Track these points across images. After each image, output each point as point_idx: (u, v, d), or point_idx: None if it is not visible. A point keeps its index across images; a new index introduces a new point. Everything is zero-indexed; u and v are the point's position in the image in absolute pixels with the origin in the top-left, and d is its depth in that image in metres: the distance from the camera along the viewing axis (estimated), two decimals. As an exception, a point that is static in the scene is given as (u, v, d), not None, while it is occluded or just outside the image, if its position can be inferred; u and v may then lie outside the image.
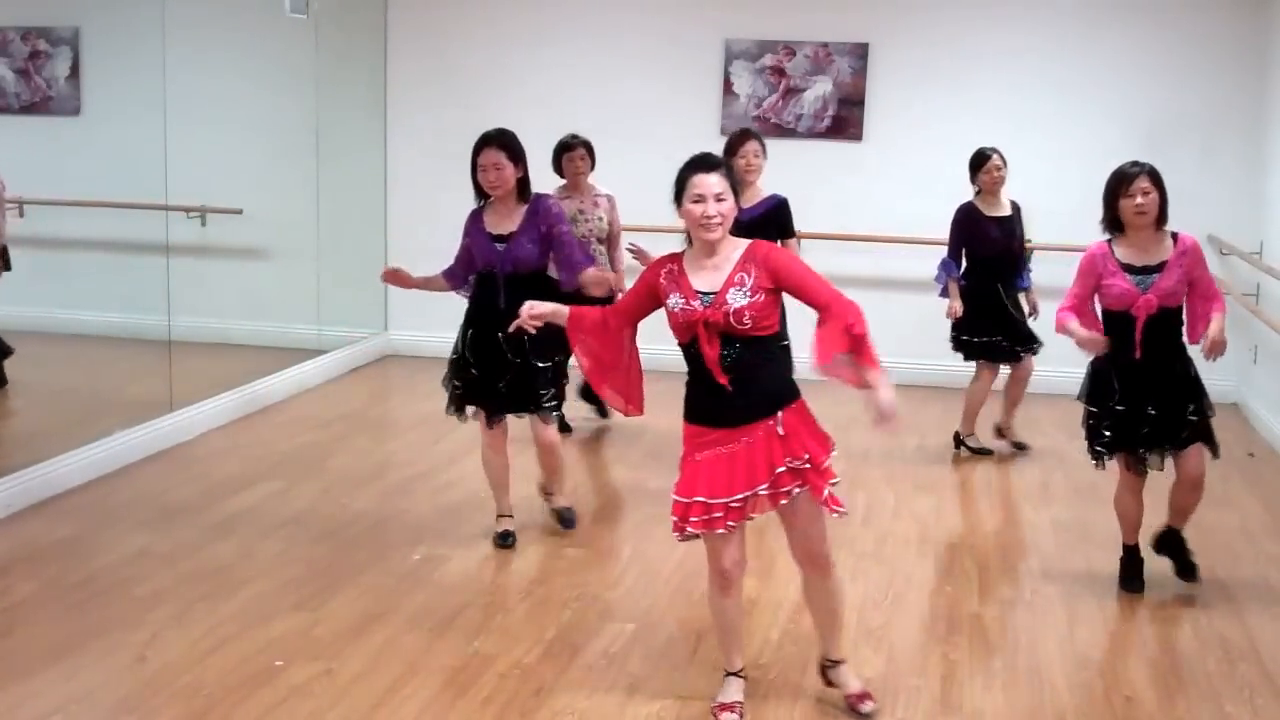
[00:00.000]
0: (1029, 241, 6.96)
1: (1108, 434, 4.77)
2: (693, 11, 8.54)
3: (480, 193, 5.10)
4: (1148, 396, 4.70)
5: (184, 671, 4.06)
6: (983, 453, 6.85)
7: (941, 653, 4.38)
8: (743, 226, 5.52)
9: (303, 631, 4.39)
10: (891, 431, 3.92)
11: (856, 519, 5.74)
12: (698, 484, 3.70)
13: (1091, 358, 4.86)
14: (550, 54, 8.69)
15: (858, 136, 8.44)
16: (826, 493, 3.71)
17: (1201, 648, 4.48)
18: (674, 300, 3.71)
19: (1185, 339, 4.77)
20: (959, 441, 6.89)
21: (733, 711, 3.84)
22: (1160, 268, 4.68)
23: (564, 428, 6.88)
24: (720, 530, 3.69)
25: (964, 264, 6.71)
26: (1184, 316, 4.76)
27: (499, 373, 5.09)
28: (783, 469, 3.65)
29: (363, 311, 8.93)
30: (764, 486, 3.66)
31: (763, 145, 5.88)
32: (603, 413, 7.19)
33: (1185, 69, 8.08)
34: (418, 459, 6.55)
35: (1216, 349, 4.64)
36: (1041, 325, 6.46)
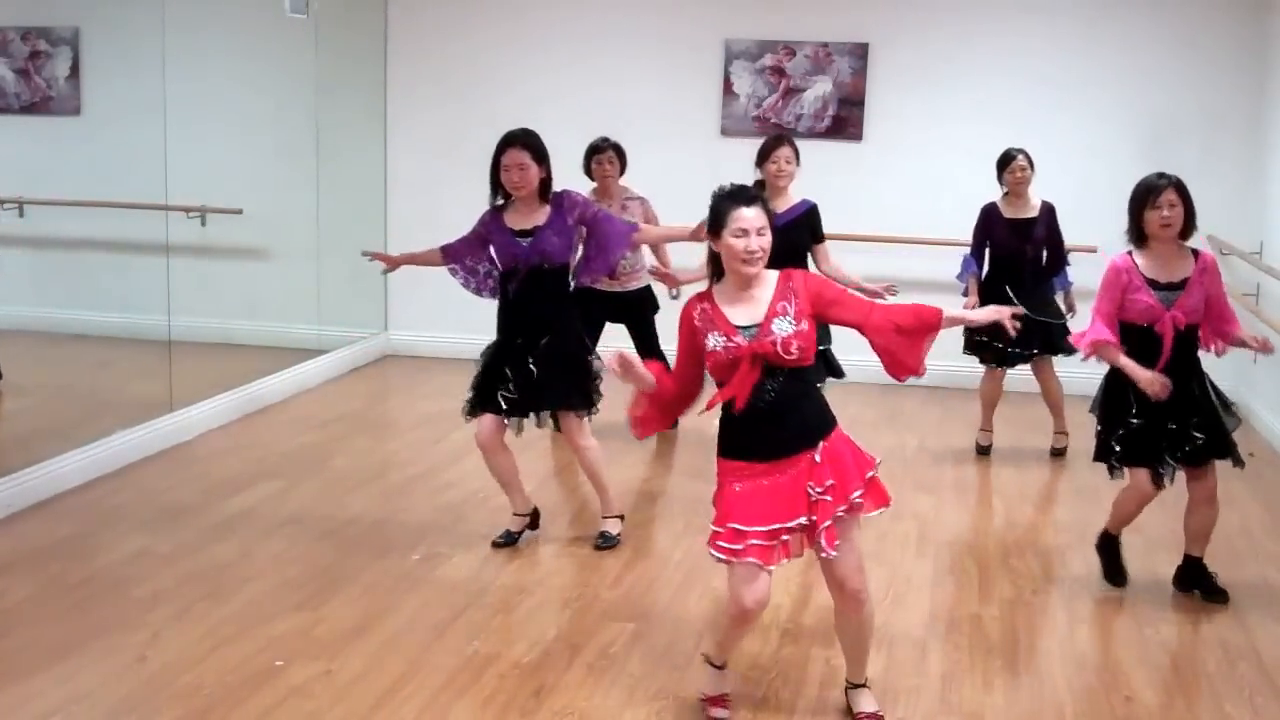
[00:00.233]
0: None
1: (1118, 447, 4.74)
2: (693, 11, 8.54)
3: (499, 192, 5.08)
4: (1167, 412, 4.67)
5: (184, 671, 4.06)
6: (982, 451, 6.85)
7: (941, 653, 4.38)
8: (776, 232, 5.57)
9: (303, 631, 4.39)
10: (1011, 320, 3.92)
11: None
12: (735, 511, 3.61)
13: (1107, 369, 4.83)
14: (550, 54, 8.68)
15: (858, 136, 8.44)
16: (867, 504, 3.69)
17: (1201, 648, 4.49)
18: (715, 340, 3.62)
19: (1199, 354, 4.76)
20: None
21: (725, 707, 3.85)
22: (1183, 285, 4.66)
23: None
24: (750, 560, 3.58)
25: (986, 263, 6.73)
26: (1199, 334, 4.75)
27: (505, 374, 5.08)
28: (815, 498, 3.59)
29: (363, 311, 8.93)
30: (805, 518, 3.60)
31: (796, 152, 5.92)
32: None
33: (1185, 69, 8.08)
34: (418, 459, 6.55)
35: (1268, 344, 4.74)
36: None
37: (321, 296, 8.33)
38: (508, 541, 5.27)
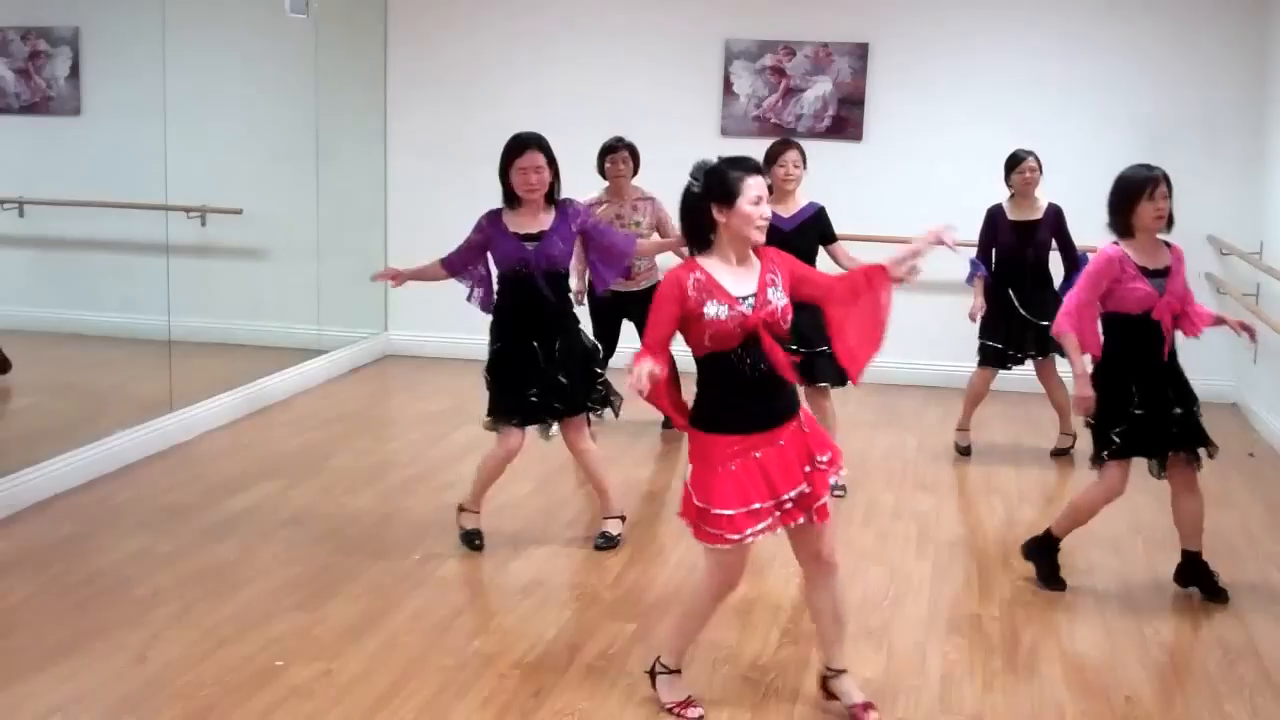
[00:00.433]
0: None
1: (1119, 440, 4.74)
2: (693, 11, 8.54)
3: (510, 195, 5.04)
4: (1172, 398, 4.71)
5: (184, 671, 4.06)
6: (962, 452, 6.85)
7: (941, 653, 4.38)
8: (786, 235, 5.57)
9: (303, 631, 4.40)
10: (948, 237, 3.93)
11: (856, 519, 5.75)
12: (741, 491, 3.60)
13: (1099, 363, 4.82)
14: (550, 54, 8.69)
15: (858, 136, 8.44)
16: (833, 481, 3.75)
17: (1201, 648, 4.49)
18: (715, 309, 3.59)
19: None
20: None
21: (696, 705, 3.87)
22: (1166, 271, 4.70)
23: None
24: (758, 537, 3.62)
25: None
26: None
27: (531, 380, 5.07)
28: (810, 468, 3.67)
29: (363, 311, 8.93)
30: (804, 486, 3.65)
31: (803, 155, 5.92)
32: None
33: (1186, 69, 8.08)
34: (418, 459, 6.55)
35: (1249, 327, 4.81)
36: None
37: (321, 296, 8.33)
38: (474, 544, 5.24)
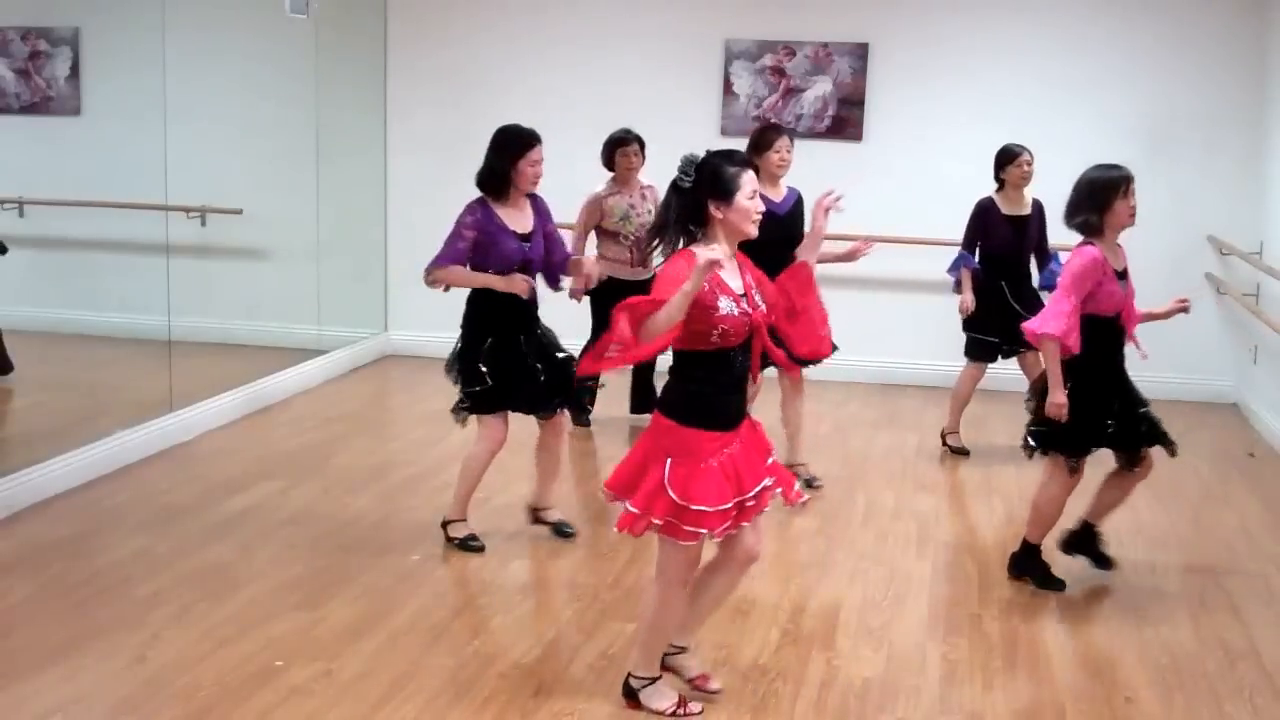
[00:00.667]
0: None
1: (1096, 440, 4.76)
2: (693, 11, 8.54)
3: (504, 187, 5.03)
4: (1115, 397, 4.76)
5: (184, 671, 4.06)
6: (960, 453, 6.85)
7: (941, 653, 4.38)
8: (781, 219, 5.66)
9: (303, 631, 4.40)
10: (829, 201, 3.95)
11: (856, 519, 5.75)
12: (719, 488, 3.60)
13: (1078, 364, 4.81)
14: (550, 54, 8.69)
15: (858, 136, 8.44)
16: (797, 486, 3.83)
17: (1201, 648, 4.49)
18: (728, 304, 3.57)
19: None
20: (944, 439, 6.90)
21: (694, 702, 3.88)
22: (1125, 272, 4.76)
23: (583, 421, 6.92)
24: (726, 531, 3.65)
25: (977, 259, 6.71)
26: None
27: (519, 377, 5.07)
28: (771, 460, 3.76)
29: (363, 311, 8.93)
30: (768, 480, 3.72)
31: (792, 141, 5.92)
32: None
33: (1185, 69, 8.08)
34: (418, 459, 6.55)
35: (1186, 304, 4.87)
36: None
37: (321, 296, 8.33)
38: (475, 545, 5.24)
